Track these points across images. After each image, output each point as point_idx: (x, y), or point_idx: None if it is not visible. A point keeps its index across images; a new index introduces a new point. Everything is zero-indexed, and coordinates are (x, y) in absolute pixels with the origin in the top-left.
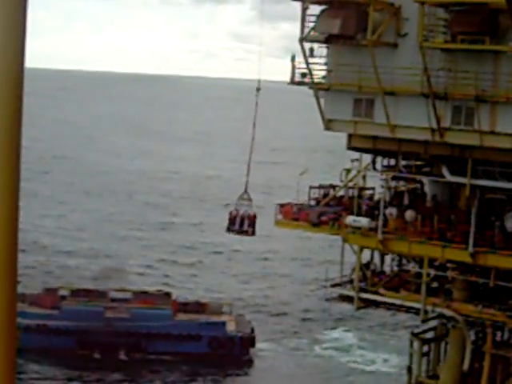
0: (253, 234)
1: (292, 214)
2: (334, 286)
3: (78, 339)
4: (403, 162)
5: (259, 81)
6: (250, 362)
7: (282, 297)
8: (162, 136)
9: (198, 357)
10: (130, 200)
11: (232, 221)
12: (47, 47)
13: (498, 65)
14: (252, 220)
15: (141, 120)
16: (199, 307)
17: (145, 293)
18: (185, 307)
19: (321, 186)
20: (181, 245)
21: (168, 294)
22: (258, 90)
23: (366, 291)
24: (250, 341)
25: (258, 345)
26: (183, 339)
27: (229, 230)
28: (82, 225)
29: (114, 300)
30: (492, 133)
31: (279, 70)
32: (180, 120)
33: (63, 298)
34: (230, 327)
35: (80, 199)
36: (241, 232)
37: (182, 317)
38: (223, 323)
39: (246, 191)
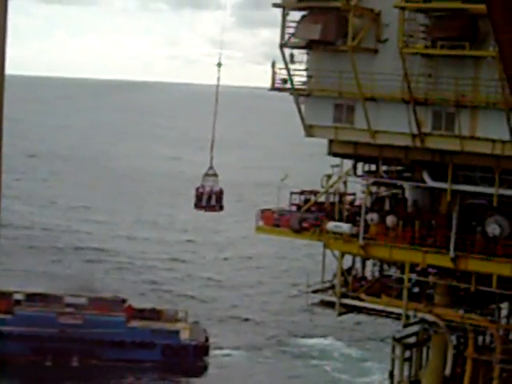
0: (220, 209)
1: (273, 220)
2: (315, 291)
3: (30, 345)
4: (384, 168)
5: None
6: (203, 370)
7: (257, 304)
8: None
9: (151, 364)
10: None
11: (199, 197)
12: (27, 53)
13: (478, 70)
14: (219, 196)
15: (123, 126)
16: (154, 314)
17: (100, 299)
18: (140, 314)
19: (302, 192)
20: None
21: (123, 301)
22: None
23: (347, 297)
24: (204, 349)
25: (222, 352)
26: (137, 346)
27: (196, 206)
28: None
29: (68, 305)
30: (472, 138)
31: (260, 76)
32: (165, 125)
33: (17, 302)
34: (184, 335)
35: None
36: (208, 208)
37: (135, 324)
38: (177, 331)
39: (211, 167)
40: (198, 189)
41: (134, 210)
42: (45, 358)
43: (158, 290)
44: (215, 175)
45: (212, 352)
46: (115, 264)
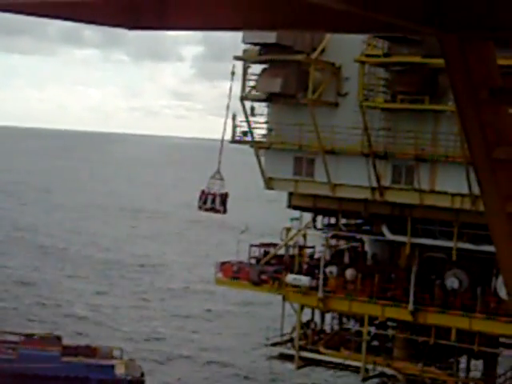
0: (224, 212)
1: (232, 273)
2: (274, 344)
3: None
4: (343, 221)
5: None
6: None
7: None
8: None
9: None
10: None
11: (203, 199)
12: None
13: (438, 124)
14: (224, 199)
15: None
16: (89, 351)
17: (34, 335)
18: (75, 351)
19: (261, 245)
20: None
21: (58, 338)
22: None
23: (306, 350)
24: None
25: None
26: (71, 382)
27: (200, 208)
28: None
29: (1, 342)
30: (432, 192)
31: (220, 129)
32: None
33: None
34: (119, 370)
35: None
36: (212, 210)
37: (70, 359)
38: (112, 366)
39: (218, 171)
40: (203, 191)
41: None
42: None
43: (93, 327)
44: (221, 179)
45: None
46: (42, 299)
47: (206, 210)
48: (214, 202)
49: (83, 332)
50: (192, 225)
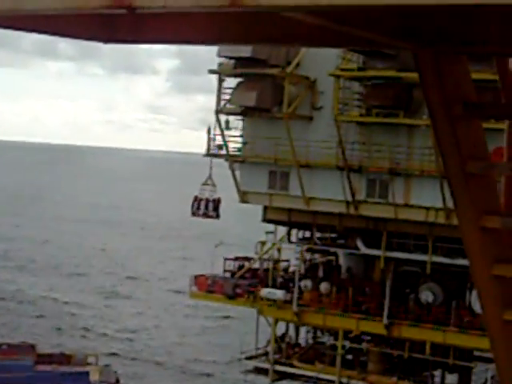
0: (217, 217)
1: (207, 286)
2: (249, 358)
3: None
4: (318, 235)
5: None
6: None
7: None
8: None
9: None
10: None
11: (197, 205)
12: None
13: (412, 138)
14: (216, 204)
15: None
16: (63, 358)
17: (7, 344)
18: (49, 359)
19: (236, 258)
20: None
21: (32, 346)
22: None
23: (281, 363)
24: None
25: None
26: None
27: (194, 214)
28: None
29: None
30: (406, 205)
31: (195, 142)
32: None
33: None
34: (94, 377)
35: None
36: (205, 216)
37: (44, 368)
38: (87, 373)
39: (210, 177)
40: (196, 197)
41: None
42: None
43: (68, 335)
44: (213, 185)
45: None
46: (19, 310)
47: (200, 215)
48: (207, 208)
49: (59, 340)
50: (170, 237)
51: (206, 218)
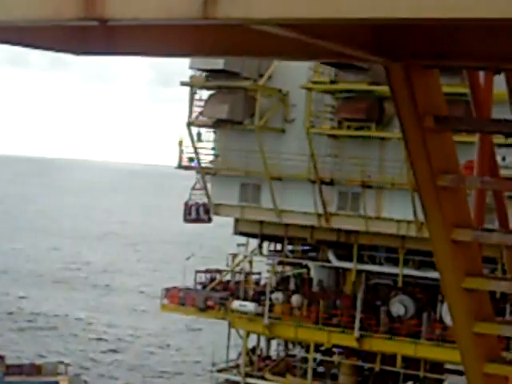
0: (209, 221)
1: (178, 299)
2: (220, 371)
3: None
4: (289, 247)
5: None
6: None
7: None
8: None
9: None
10: None
11: (188, 210)
12: None
13: (384, 151)
14: (207, 208)
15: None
16: (33, 369)
17: None
18: (18, 369)
19: (207, 271)
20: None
21: (1, 357)
22: None
23: (252, 376)
24: None
25: None
26: None
27: (186, 220)
28: None
29: None
30: (378, 218)
31: (167, 154)
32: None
33: None
34: None
35: None
36: (198, 220)
37: (13, 378)
38: (56, 383)
39: (198, 181)
40: (186, 203)
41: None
42: None
43: (38, 344)
44: (203, 189)
45: None
46: None
47: (192, 221)
48: (198, 213)
49: (28, 350)
50: (144, 247)
51: (199, 222)
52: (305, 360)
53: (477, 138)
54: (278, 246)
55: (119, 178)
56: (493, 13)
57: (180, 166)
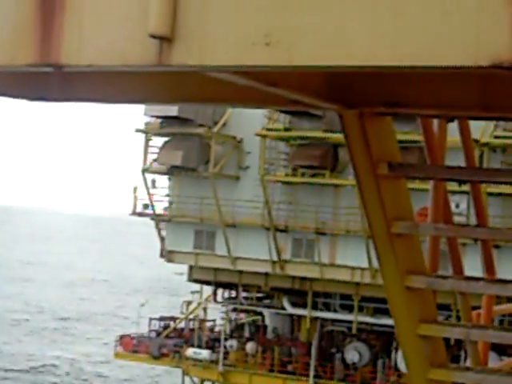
0: None
1: (132, 346)
2: None
3: None
4: (244, 294)
5: None
6: None
7: None
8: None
9: None
10: None
11: None
12: None
13: (338, 198)
14: None
15: None
16: None
17: None
18: None
19: (161, 318)
20: None
21: None
22: None
23: None
24: None
25: None
26: None
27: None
28: None
29: None
30: (332, 265)
31: (121, 201)
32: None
33: None
34: None
35: None
36: None
37: None
38: None
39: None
40: None
41: None
42: None
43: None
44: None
45: None
46: None
47: None
48: None
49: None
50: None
51: None
52: None
53: (431, 184)
54: (233, 293)
55: (76, 225)
56: (443, 61)
57: (134, 213)
